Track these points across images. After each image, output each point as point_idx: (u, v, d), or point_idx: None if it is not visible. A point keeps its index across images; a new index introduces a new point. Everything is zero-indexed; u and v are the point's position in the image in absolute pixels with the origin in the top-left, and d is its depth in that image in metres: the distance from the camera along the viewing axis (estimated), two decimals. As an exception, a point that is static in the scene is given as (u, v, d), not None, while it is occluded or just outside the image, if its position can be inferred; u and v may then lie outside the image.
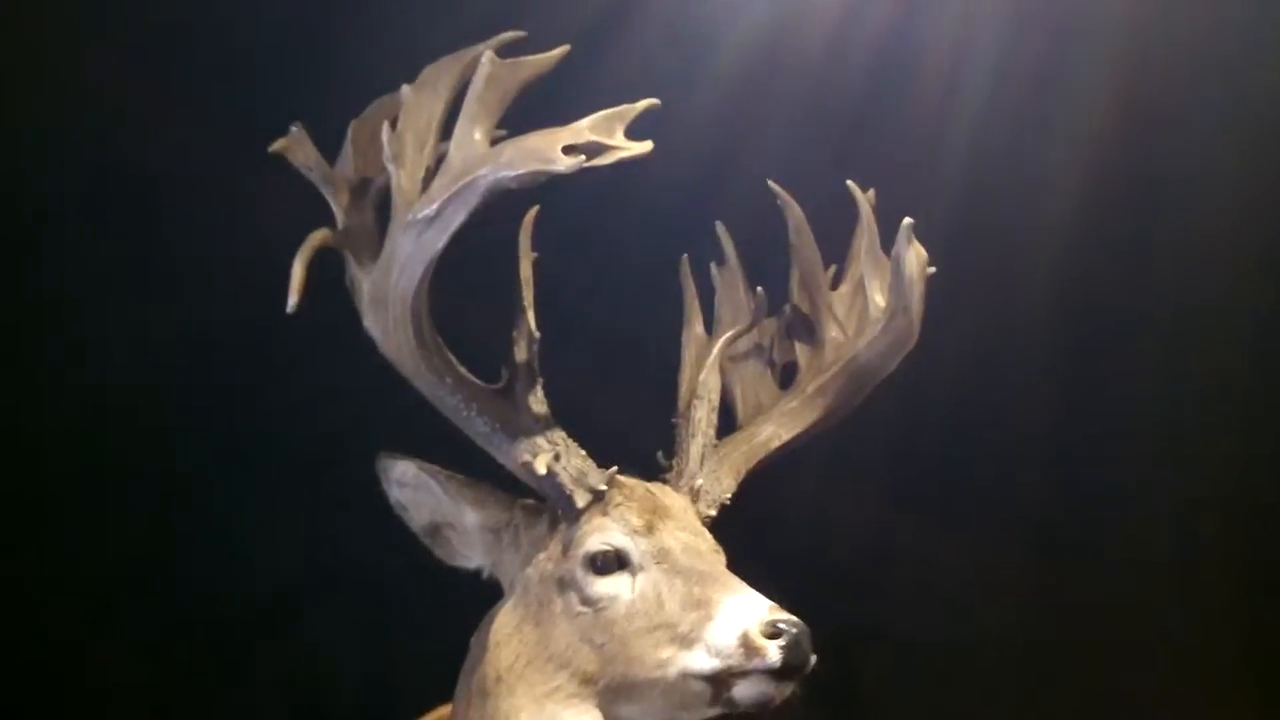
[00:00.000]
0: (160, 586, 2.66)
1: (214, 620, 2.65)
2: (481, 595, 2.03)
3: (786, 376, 2.31)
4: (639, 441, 2.12)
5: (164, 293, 2.63)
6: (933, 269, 2.23)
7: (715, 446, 2.15)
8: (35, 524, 2.65)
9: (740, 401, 2.28)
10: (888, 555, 2.89)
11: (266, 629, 2.66)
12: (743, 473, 2.14)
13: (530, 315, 1.98)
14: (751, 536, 2.03)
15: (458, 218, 1.89)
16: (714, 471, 2.11)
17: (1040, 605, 3.02)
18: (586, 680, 1.90)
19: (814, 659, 1.83)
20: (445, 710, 2.10)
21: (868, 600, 2.70)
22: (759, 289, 2.32)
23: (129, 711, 2.64)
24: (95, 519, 2.66)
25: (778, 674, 1.81)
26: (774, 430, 2.21)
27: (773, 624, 1.81)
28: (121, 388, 2.65)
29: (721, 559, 1.97)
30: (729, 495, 2.11)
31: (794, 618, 1.83)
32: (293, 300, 1.94)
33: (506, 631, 1.97)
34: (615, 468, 2.01)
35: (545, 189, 1.92)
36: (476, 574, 2.05)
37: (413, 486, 2.01)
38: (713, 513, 2.07)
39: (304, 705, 2.65)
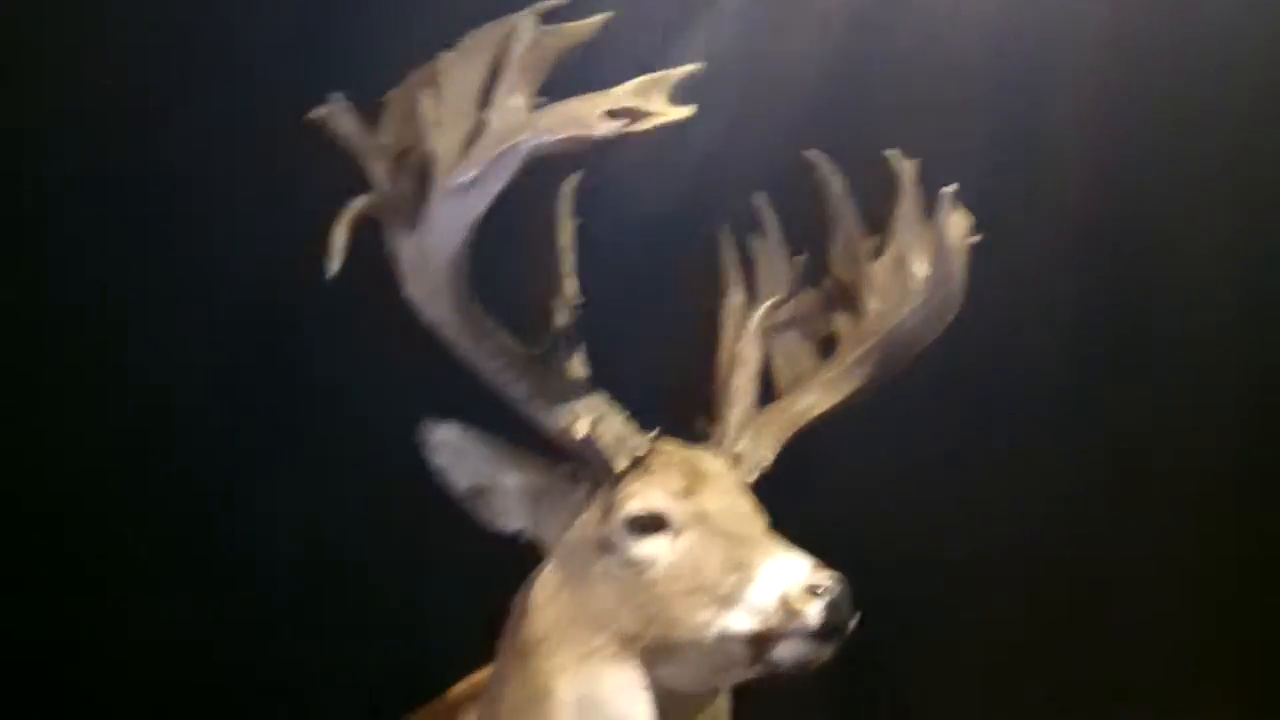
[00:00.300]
0: (197, 553, 2.68)
1: (250, 591, 2.66)
2: (521, 559, 2.04)
3: (826, 346, 2.31)
4: (680, 408, 2.12)
5: (190, 270, 2.64)
6: (975, 238, 2.25)
7: (755, 414, 2.15)
8: (71, 501, 2.67)
9: (780, 371, 2.28)
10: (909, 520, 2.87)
11: (305, 598, 2.67)
12: (782, 440, 2.14)
13: (571, 281, 1.98)
14: (788, 501, 2.02)
15: (497, 183, 1.89)
16: (754, 439, 2.11)
17: (1056, 575, 3.00)
18: (627, 641, 1.91)
19: (855, 619, 1.82)
20: (485, 674, 2.11)
21: (889, 567, 2.69)
22: (799, 258, 2.32)
23: (169, 671, 2.66)
24: (131, 498, 2.67)
25: (818, 635, 1.81)
26: (814, 399, 2.20)
27: (813, 585, 1.81)
28: (159, 369, 2.66)
29: (763, 522, 1.97)
30: (769, 462, 2.11)
31: (836, 577, 1.82)
32: (332, 267, 1.95)
33: (548, 594, 1.98)
34: (655, 432, 2.01)
35: (585, 155, 1.93)
36: (516, 538, 2.05)
37: (454, 450, 2.01)
38: (752, 479, 2.07)
39: (342, 671, 2.66)
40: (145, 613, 2.66)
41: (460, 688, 2.27)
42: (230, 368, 2.69)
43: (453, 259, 1.92)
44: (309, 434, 2.71)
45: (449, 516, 2.04)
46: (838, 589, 1.81)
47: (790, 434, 2.15)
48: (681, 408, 2.13)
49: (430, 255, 1.93)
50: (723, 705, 2.03)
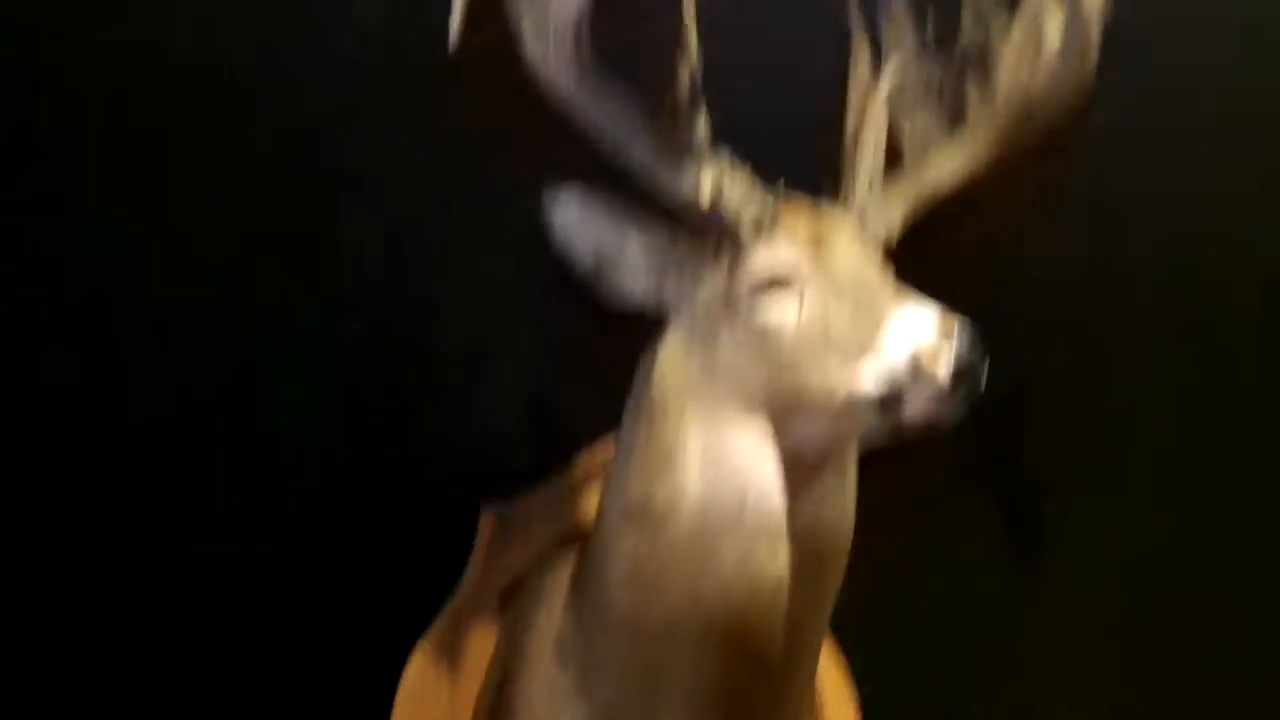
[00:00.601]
0: (336, 339, 2.71)
1: (394, 368, 2.70)
2: (648, 328, 2.04)
3: (955, 117, 2.25)
4: (805, 173, 2.08)
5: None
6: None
7: (882, 181, 2.11)
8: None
9: (907, 140, 2.22)
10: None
11: (439, 380, 2.70)
12: (910, 211, 2.10)
13: (692, 40, 1.94)
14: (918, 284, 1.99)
15: (618, -61, 1.87)
16: (881, 205, 2.08)
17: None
18: (754, 401, 1.91)
19: (985, 377, 1.79)
20: (610, 443, 2.13)
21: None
22: (929, 26, 2.26)
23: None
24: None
25: (947, 394, 1.79)
26: (942, 170, 2.15)
27: (943, 342, 1.78)
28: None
29: (890, 281, 1.94)
30: (896, 231, 2.07)
31: (966, 331, 1.79)
32: (453, 37, 1.94)
33: (673, 357, 1.98)
34: (780, 191, 1.98)
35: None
36: (642, 308, 2.04)
37: (576, 223, 2.00)
38: (880, 245, 2.03)
39: (471, 447, 2.69)
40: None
41: (583, 461, 2.30)
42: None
43: (575, 18, 1.88)
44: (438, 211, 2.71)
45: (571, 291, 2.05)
46: (968, 345, 1.78)
47: (917, 204, 2.11)
48: (807, 172, 2.09)
49: (552, 14, 1.90)
50: (850, 468, 2.03)
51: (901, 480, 2.17)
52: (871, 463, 2.02)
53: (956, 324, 1.79)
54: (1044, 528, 2.88)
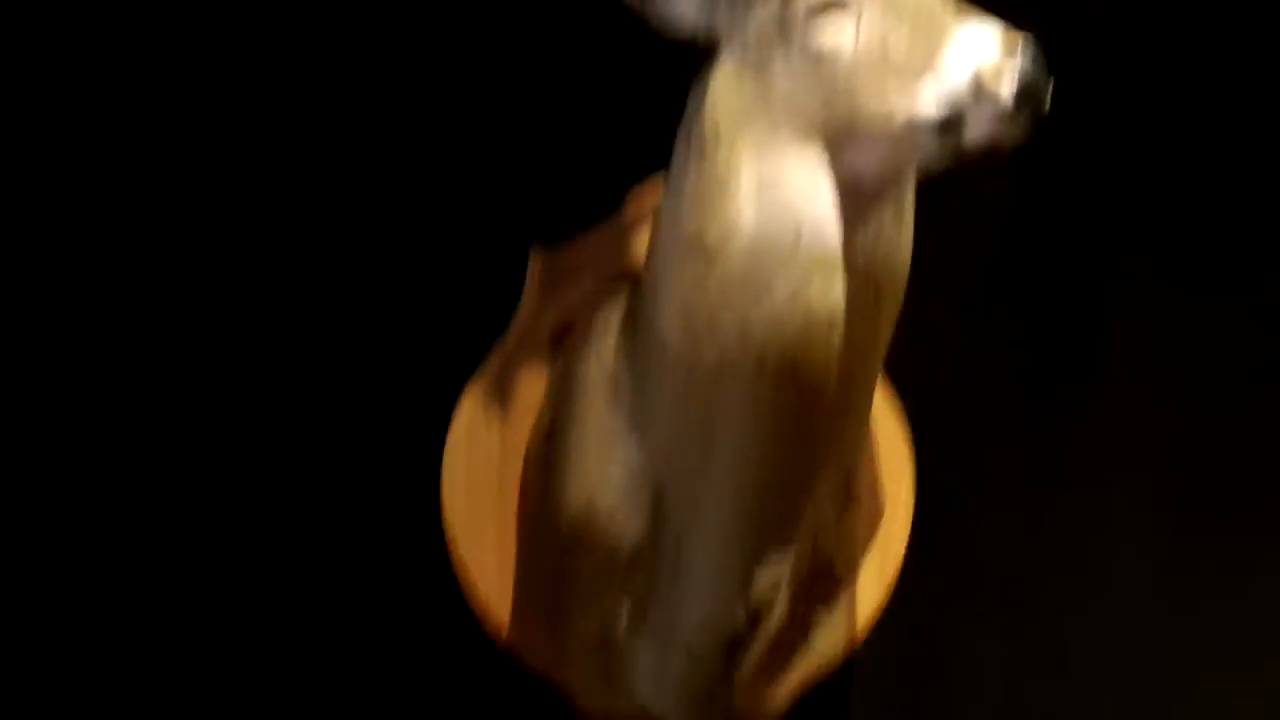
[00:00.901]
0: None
1: (441, 111, 2.67)
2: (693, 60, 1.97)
3: None
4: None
5: None
6: None
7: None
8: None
9: None
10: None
11: (485, 122, 2.66)
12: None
13: None
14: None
15: None
16: None
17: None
18: (810, 129, 1.84)
19: (1050, 97, 1.73)
20: (659, 183, 2.09)
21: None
22: None
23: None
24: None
25: (1011, 114, 1.72)
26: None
27: (1006, 60, 1.71)
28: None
29: (950, 1, 1.85)
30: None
31: (1031, 49, 1.71)
32: None
33: (724, 87, 1.90)
34: None
35: None
36: (693, 38, 1.97)
37: None
38: None
39: (519, 188, 2.67)
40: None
41: (632, 201, 2.27)
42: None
43: None
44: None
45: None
46: (1033, 62, 1.71)
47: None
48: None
49: None
50: (909, 201, 1.98)
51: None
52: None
53: (1020, 41, 1.72)
54: (1106, 269, 2.84)
